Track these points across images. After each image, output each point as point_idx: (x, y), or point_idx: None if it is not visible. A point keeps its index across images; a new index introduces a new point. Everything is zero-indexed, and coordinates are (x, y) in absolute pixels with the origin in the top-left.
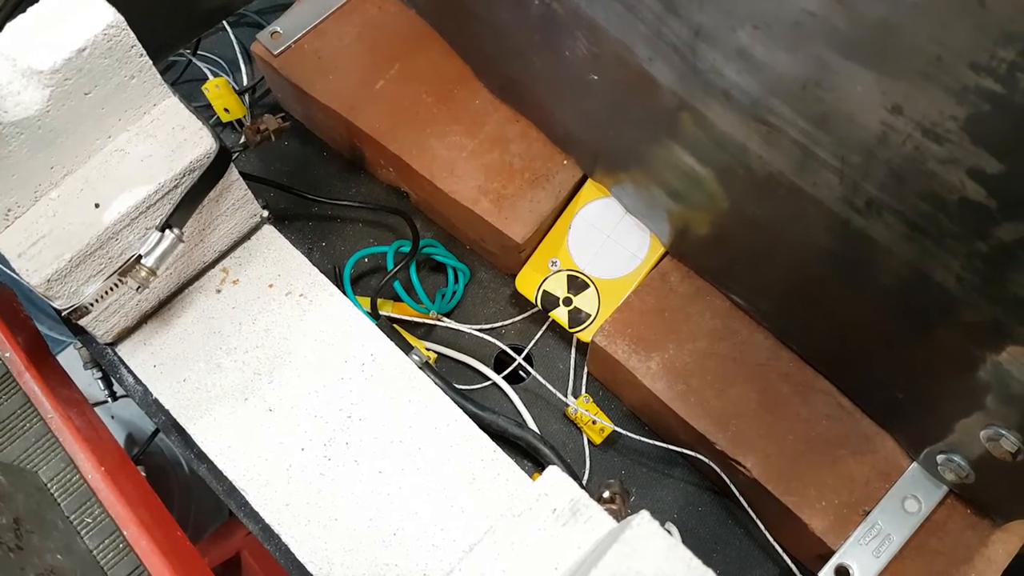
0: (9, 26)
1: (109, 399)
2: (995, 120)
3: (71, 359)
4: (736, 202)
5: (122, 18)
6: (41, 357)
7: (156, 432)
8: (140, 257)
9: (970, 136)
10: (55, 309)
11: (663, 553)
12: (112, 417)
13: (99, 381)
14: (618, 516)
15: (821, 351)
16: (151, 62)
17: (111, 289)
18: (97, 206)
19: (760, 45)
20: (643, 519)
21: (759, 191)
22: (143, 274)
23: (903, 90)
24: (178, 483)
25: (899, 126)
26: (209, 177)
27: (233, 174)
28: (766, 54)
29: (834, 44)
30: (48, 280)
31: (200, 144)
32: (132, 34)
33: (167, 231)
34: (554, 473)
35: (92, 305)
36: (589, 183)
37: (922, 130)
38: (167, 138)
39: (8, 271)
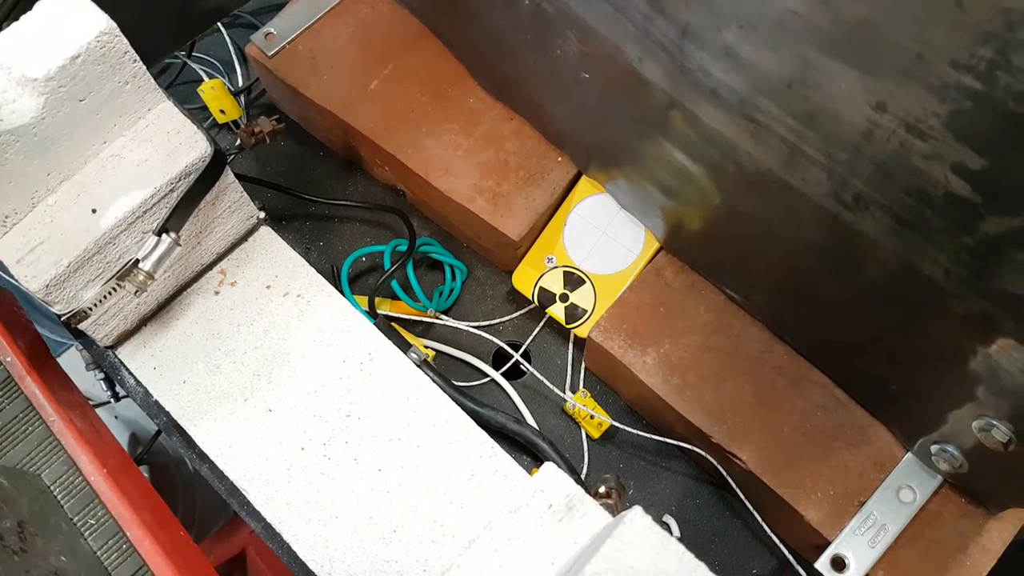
0: (2, 34)
1: (112, 400)
2: (976, 117)
3: (74, 360)
4: (727, 198)
5: (115, 24)
6: (42, 361)
7: (159, 432)
8: (137, 261)
9: (953, 133)
10: (55, 313)
11: (656, 548)
12: (116, 417)
13: (102, 382)
14: (614, 511)
15: (815, 344)
16: (145, 67)
17: (110, 293)
18: (94, 211)
19: (746, 44)
20: (635, 514)
21: (749, 187)
22: (141, 278)
23: (886, 88)
24: (182, 480)
25: (883, 123)
26: (205, 180)
27: (229, 177)
28: (752, 53)
29: (818, 43)
30: (47, 286)
31: (195, 148)
32: (125, 40)
33: (164, 235)
34: (550, 469)
35: (91, 309)
36: (584, 180)
37: (906, 127)
38: (162, 143)
39: (7, 276)
